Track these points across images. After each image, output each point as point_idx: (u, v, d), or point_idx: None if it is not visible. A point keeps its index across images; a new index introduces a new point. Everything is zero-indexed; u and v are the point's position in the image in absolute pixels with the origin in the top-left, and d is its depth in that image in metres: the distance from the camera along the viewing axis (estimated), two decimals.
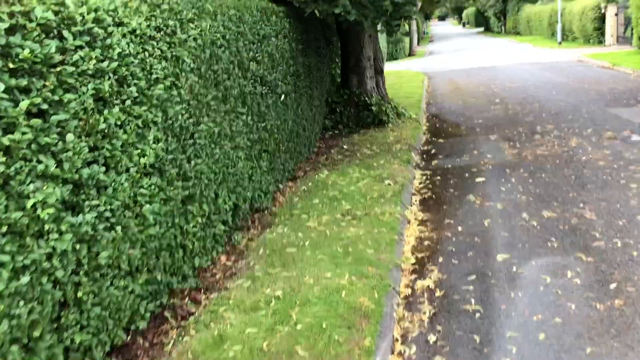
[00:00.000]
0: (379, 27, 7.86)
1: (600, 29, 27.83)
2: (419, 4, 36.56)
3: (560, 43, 30.58)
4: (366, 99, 10.68)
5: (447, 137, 10.07)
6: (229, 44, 5.43)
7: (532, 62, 22.42)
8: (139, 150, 3.59)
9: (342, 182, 7.20)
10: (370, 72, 10.88)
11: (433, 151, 9.09)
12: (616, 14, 26.64)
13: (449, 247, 5.12)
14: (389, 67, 27.67)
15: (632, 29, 24.64)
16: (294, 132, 7.73)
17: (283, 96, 7.06)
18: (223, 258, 5.22)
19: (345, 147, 9.26)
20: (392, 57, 35.33)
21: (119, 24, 3.50)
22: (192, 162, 4.46)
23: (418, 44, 53.07)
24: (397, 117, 11.11)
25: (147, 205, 3.64)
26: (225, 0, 5.74)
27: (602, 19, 27.55)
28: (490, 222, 5.58)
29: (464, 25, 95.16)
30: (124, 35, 3.51)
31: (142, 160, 3.59)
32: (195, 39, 4.58)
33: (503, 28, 55.70)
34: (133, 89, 3.52)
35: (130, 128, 3.49)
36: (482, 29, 72.51)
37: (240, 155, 5.59)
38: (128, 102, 3.47)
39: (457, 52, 35.33)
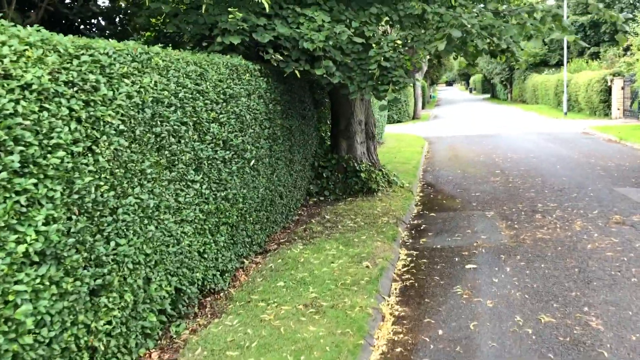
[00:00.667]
0: (366, 92, 7.24)
1: (606, 102, 27.50)
2: (425, 69, 36.43)
3: (565, 113, 30.24)
4: (355, 164, 9.99)
5: (441, 210, 9.28)
6: (183, 103, 4.75)
7: (537, 132, 21.88)
8: (17, 236, 2.81)
9: (316, 260, 6.37)
10: (361, 137, 10.24)
11: (423, 226, 8.28)
12: (622, 88, 26.35)
13: (425, 359, 4.22)
14: (390, 129, 27.28)
15: (639, 103, 24.23)
16: (266, 201, 6.97)
17: (253, 161, 6.34)
18: (155, 355, 4.35)
19: (327, 216, 8.47)
20: (396, 120, 35.14)
21: (5, 77, 2.80)
22: (112, 244, 3.67)
23: (423, 107, 53.27)
24: (388, 185, 10.38)
25: (25, 306, 2.82)
26: (186, 55, 5.11)
27: (608, 91, 27.27)
28: (477, 326, 4.69)
29: (470, 91, 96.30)
30: (9, 91, 2.81)
31: (20, 248, 2.80)
32: (129, 97, 3.89)
33: (509, 95, 55.95)
34: (15, 157, 2.79)
35: (6, 208, 2.73)
36: (488, 95, 73.13)
37: (187, 230, 4.81)
38: (3, 175, 2.72)
39: (462, 117, 35.09)
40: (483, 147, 17.96)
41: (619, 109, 26.60)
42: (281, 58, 6.81)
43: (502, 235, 7.42)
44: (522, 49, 9.34)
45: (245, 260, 6.41)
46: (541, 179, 11.43)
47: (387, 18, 7.57)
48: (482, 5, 7.71)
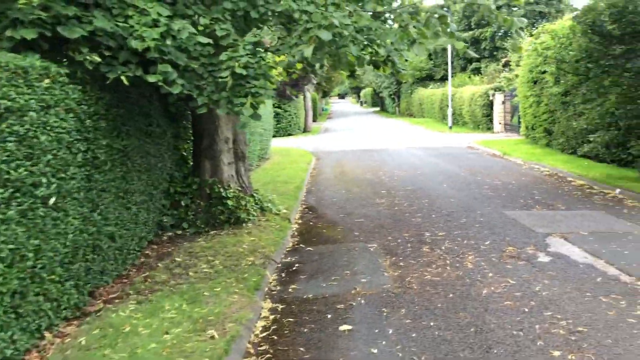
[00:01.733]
0: (220, 105, 5.78)
1: (489, 116, 28.17)
2: (314, 81, 35.68)
3: (451, 127, 30.71)
4: (221, 190, 8.46)
5: (319, 242, 8.00)
6: None
7: (424, 147, 21.60)
8: None
9: (146, 329, 4.77)
10: (229, 157, 8.74)
11: (296, 266, 6.92)
12: (503, 102, 27.08)
13: None
14: (279, 143, 26.00)
15: (519, 118, 24.90)
16: (83, 248, 5.25)
17: (53, 199, 4.63)
18: None
19: (179, 258, 6.86)
20: (286, 132, 34.03)
21: None
22: None
23: (315, 120, 52.83)
24: (261, 214, 8.96)
25: None
26: None
27: (490, 105, 27.95)
28: None
29: (361, 104, 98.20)
30: None
31: None
32: None
33: (397, 109, 57.11)
34: None
35: None
36: (378, 108, 74.60)
37: None
38: None
39: (352, 130, 34.73)
40: (371, 163, 17.14)
41: (500, 123, 27.29)
42: (99, 59, 5.16)
43: (385, 277, 6.24)
44: (406, 60, 8.38)
45: (47, 333, 4.66)
46: (428, 201, 10.57)
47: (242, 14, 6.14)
48: (359, 4, 6.54)
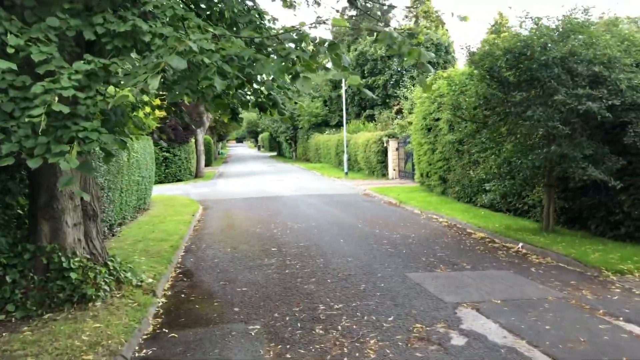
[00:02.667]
0: (37, 152, 4.19)
1: (383, 162, 27.97)
2: (207, 124, 33.95)
3: (346, 173, 30.22)
4: (63, 259, 6.63)
5: (188, 324, 6.39)
6: None
7: (319, 194, 20.61)
8: None
9: None
10: (75, 217, 6.95)
11: None
12: (397, 149, 27.01)
13: None
14: (164, 190, 23.89)
15: (412, 164, 24.80)
16: None
17: None
18: None
19: None
20: (175, 178, 31.86)
21: None
22: None
23: (210, 164, 50.79)
24: (117, 287, 7.19)
25: None
26: None
27: (384, 152, 27.79)
28: None
29: (259, 148, 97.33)
30: None
31: None
32: None
33: (294, 154, 56.60)
34: None
35: None
36: (275, 153, 73.91)
37: None
38: None
39: (247, 176, 33.27)
40: (263, 213, 15.74)
41: (394, 170, 27.13)
42: None
43: None
44: (295, 102, 7.22)
45: None
46: (323, 260, 9.32)
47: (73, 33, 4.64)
48: (232, 29, 5.27)
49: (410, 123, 26.83)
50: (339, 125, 47.92)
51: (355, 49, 45.43)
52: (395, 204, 17.50)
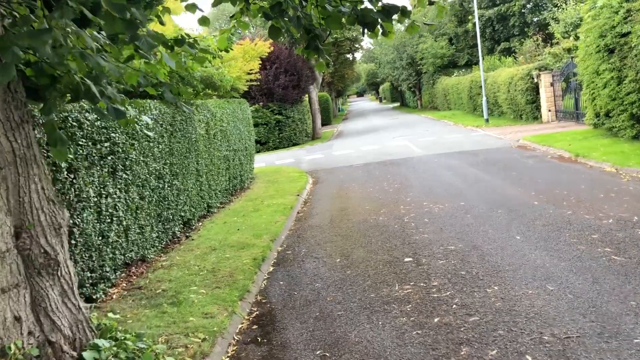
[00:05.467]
0: None
1: (534, 102, 22.45)
2: (320, 79, 30.24)
3: (487, 120, 25.06)
4: None
5: None
6: None
7: (460, 152, 16.13)
8: None
9: None
10: (4, 275, 3.53)
11: None
12: (552, 84, 21.38)
13: None
14: (272, 159, 20.82)
15: (575, 101, 19.21)
16: None
17: None
18: None
19: None
20: (291, 142, 28.85)
21: None
22: None
23: (330, 123, 47.46)
24: None
25: None
26: None
27: (535, 89, 22.25)
28: None
29: (380, 100, 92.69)
30: None
31: None
32: None
33: (419, 102, 51.46)
34: None
35: None
36: (397, 103, 68.94)
37: None
38: None
39: (368, 133, 29.36)
40: (387, 185, 11.82)
41: (550, 110, 21.60)
42: None
43: None
44: None
45: None
46: (499, 290, 5.20)
47: None
48: None
49: (569, 49, 21.03)
50: (468, 64, 41.94)
51: None
52: (571, 159, 12.63)
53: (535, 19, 35.63)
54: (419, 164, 14.71)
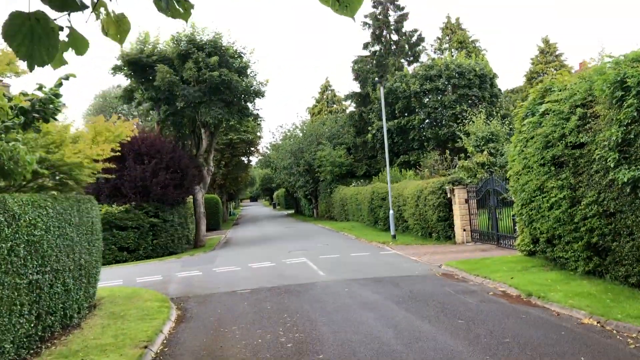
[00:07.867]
0: None
1: (447, 220, 20.07)
2: (207, 180, 26.19)
3: (394, 236, 22.32)
4: None
5: None
6: None
7: (374, 278, 12.74)
8: None
9: None
10: None
11: None
12: (466, 200, 19.23)
13: None
14: (133, 274, 16.08)
15: (496, 221, 16.95)
16: None
17: None
18: None
19: None
20: (167, 250, 24.18)
21: None
22: None
23: (219, 227, 43.15)
24: None
25: None
26: None
27: (447, 205, 19.96)
28: None
29: (274, 206, 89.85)
30: None
31: None
32: None
33: (315, 211, 48.91)
34: None
35: None
36: (292, 211, 66.33)
37: None
38: None
39: (260, 244, 25.53)
40: (284, 338, 7.91)
41: (464, 230, 19.23)
42: None
43: None
44: None
45: None
46: None
47: None
48: None
49: (483, 164, 19.20)
50: (367, 175, 40.39)
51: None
52: (521, 300, 9.61)
53: (431, 135, 35.01)
54: (327, 295, 11.03)
